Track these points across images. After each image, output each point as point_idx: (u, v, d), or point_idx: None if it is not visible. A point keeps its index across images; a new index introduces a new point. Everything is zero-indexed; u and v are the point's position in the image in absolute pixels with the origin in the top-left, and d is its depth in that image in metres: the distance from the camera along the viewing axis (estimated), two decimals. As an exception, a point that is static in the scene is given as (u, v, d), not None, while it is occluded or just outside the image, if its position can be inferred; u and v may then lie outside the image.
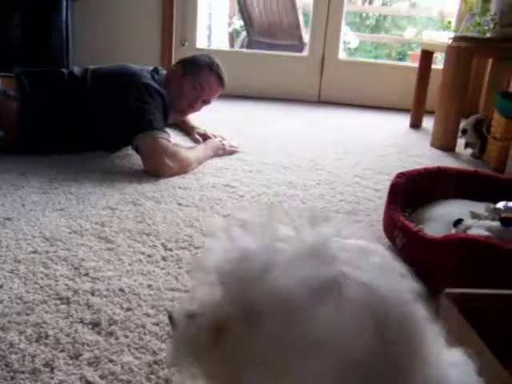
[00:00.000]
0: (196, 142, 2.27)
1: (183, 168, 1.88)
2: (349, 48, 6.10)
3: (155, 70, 2.12)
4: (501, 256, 1.09)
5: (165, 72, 2.18)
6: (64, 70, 2.03)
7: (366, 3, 8.20)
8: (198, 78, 2.11)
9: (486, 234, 1.19)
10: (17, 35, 2.51)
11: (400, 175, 1.53)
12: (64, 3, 2.57)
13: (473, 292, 0.89)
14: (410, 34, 6.65)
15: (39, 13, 2.56)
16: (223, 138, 2.28)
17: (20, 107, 1.89)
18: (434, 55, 3.11)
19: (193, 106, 2.16)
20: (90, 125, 1.95)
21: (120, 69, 2.04)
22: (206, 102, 2.19)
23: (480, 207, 1.40)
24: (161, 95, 1.97)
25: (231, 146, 2.21)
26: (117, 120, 1.92)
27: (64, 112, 1.94)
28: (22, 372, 0.83)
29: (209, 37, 5.34)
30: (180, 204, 1.59)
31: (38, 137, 1.92)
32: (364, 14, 8.05)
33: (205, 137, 2.31)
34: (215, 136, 2.31)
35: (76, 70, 2.04)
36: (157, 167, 1.82)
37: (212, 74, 2.13)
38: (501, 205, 1.35)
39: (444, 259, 1.17)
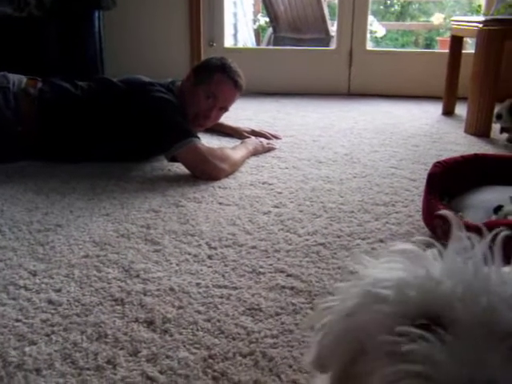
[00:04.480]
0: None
1: (234, 167, 1.93)
2: (375, 37, 6.05)
3: (172, 83, 2.09)
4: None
5: (179, 83, 2.11)
6: (82, 83, 2.04)
7: (391, -10, 8.10)
8: (209, 85, 2.01)
9: (528, 219, 1.19)
10: (53, 47, 2.60)
11: (437, 164, 1.54)
12: (96, 14, 2.64)
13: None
14: (437, 19, 6.53)
15: (73, 25, 2.64)
16: (269, 133, 2.40)
17: (39, 107, 1.95)
18: (464, 40, 3.08)
19: (209, 116, 2.06)
20: (108, 136, 1.98)
21: (135, 80, 2.04)
22: (224, 109, 2.11)
23: (520, 192, 1.39)
24: (177, 107, 1.95)
25: (268, 144, 2.25)
26: (140, 133, 1.95)
27: (80, 121, 1.97)
28: (88, 369, 0.88)
29: (234, 35, 5.38)
30: (221, 203, 1.63)
31: (57, 141, 1.98)
32: (388, 2, 7.95)
33: (254, 134, 2.38)
34: (260, 132, 2.41)
35: (97, 80, 2.08)
36: (210, 172, 1.84)
37: (224, 80, 2.02)
38: (541, 189, 1.34)
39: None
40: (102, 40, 2.73)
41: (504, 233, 0.47)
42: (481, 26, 2.49)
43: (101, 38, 2.70)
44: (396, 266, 0.48)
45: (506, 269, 0.47)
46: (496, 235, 0.48)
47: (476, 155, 1.65)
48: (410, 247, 0.50)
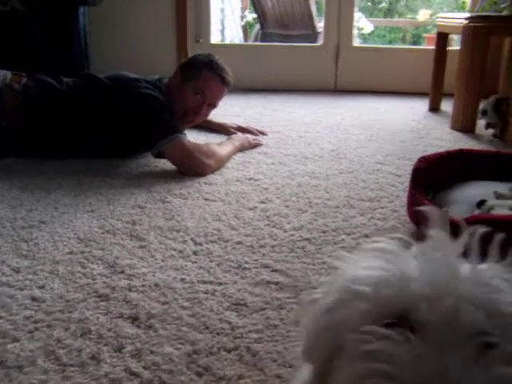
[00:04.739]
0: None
1: (220, 163, 1.93)
2: (363, 34, 6.06)
3: (159, 80, 2.08)
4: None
5: (166, 80, 2.10)
6: (67, 79, 2.03)
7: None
8: (197, 82, 2.00)
9: (510, 213, 1.20)
10: (38, 43, 2.57)
11: (422, 159, 1.55)
12: (81, 9, 2.62)
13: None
14: (423, 16, 6.55)
15: (58, 20, 2.62)
16: (256, 130, 2.40)
17: (23, 103, 1.94)
18: (450, 37, 3.10)
19: (198, 113, 2.06)
20: (93, 132, 1.97)
21: (121, 77, 2.03)
22: (212, 105, 2.10)
23: (503, 187, 1.41)
24: (163, 103, 1.94)
25: (254, 140, 2.25)
26: (125, 129, 1.94)
27: (65, 117, 1.95)
28: (71, 365, 0.87)
29: (222, 31, 5.36)
30: (206, 199, 1.63)
31: (42, 136, 1.96)
32: (376, -1, 7.96)
33: (241, 130, 2.38)
34: (246, 128, 2.40)
35: (82, 76, 2.07)
36: (196, 168, 1.84)
37: (212, 76, 2.02)
38: (524, 183, 1.36)
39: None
40: (88, 36, 2.72)
41: (481, 230, 0.47)
42: (466, 22, 2.50)
43: (86, 33, 2.68)
44: (375, 263, 0.49)
45: (483, 266, 0.47)
46: (475, 232, 0.48)
47: (461, 151, 1.66)
48: (389, 245, 0.50)
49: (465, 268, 0.46)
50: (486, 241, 0.49)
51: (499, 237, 0.48)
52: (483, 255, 0.48)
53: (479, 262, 0.47)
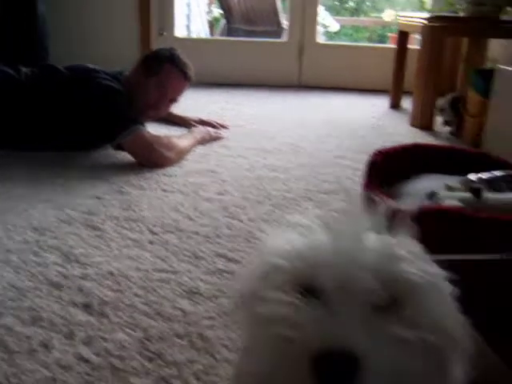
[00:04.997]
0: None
1: (180, 156, 1.93)
2: (329, 32, 6.11)
3: (120, 73, 2.05)
4: (471, 224, 1.14)
5: (127, 74, 2.08)
6: (25, 69, 1.99)
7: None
8: (159, 76, 1.99)
9: (459, 204, 1.24)
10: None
11: (377, 153, 1.58)
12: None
13: (448, 258, 0.94)
14: (388, 15, 6.64)
15: (15, 9, 2.56)
16: (217, 123, 2.39)
17: None
18: (412, 36, 3.16)
19: (159, 108, 2.06)
20: (51, 124, 1.93)
21: (80, 68, 2.01)
22: (173, 100, 2.10)
23: (454, 180, 1.45)
24: (122, 95, 1.92)
25: (215, 133, 2.25)
26: (84, 120, 1.91)
27: (23, 108, 1.92)
28: (19, 352, 0.87)
29: (188, 26, 5.33)
30: (164, 190, 1.63)
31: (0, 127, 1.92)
32: (344, -3, 8.04)
33: (202, 123, 2.37)
34: (208, 121, 2.40)
35: (41, 66, 2.04)
36: (156, 160, 1.84)
37: (174, 71, 2.01)
38: (473, 176, 1.40)
39: (419, 230, 1.23)
40: (47, 26, 2.66)
41: (390, 205, 0.51)
42: (425, 22, 2.56)
43: (45, 23, 2.63)
44: (292, 237, 0.51)
45: (389, 238, 0.50)
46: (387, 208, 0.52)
47: (415, 145, 1.70)
48: (303, 219, 0.53)
49: (371, 240, 0.49)
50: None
51: (408, 212, 0.51)
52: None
53: (389, 235, 0.50)
